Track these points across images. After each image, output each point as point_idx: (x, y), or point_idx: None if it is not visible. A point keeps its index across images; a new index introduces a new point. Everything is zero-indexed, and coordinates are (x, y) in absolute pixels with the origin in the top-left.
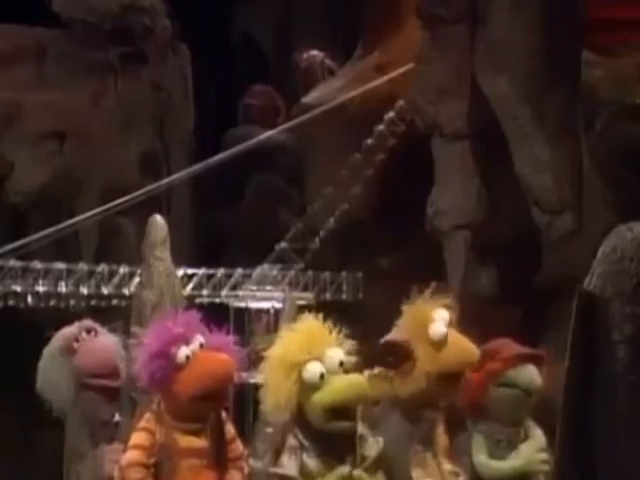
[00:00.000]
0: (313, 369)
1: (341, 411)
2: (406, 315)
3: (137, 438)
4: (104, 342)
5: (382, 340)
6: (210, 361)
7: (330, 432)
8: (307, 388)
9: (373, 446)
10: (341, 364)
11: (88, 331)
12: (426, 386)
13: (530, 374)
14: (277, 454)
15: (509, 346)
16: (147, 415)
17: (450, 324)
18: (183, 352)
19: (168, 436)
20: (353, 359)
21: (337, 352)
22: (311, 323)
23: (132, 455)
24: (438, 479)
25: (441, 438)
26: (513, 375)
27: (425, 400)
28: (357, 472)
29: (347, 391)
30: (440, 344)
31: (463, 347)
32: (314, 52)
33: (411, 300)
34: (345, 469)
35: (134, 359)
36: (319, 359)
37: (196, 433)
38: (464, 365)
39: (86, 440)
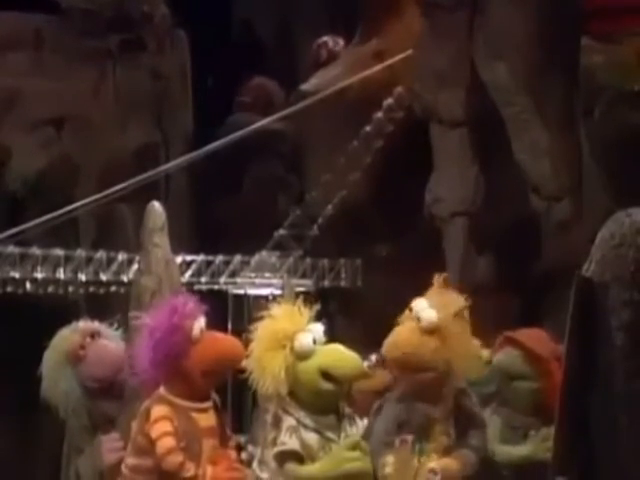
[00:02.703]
0: (305, 337)
1: (334, 378)
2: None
3: (161, 427)
4: (108, 345)
5: None
6: (221, 338)
7: (323, 396)
8: (300, 357)
9: (359, 425)
10: (325, 334)
11: (92, 335)
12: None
13: (501, 358)
14: (272, 442)
15: (519, 332)
16: (156, 407)
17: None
18: (198, 326)
19: (188, 419)
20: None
21: (318, 326)
22: (284, 306)
23: (166, 442)
24: (408, 470)
25: (440, 437)
26: (495, 358)
27: (412, 391)
28: (364, 443)
29: (345, 359)
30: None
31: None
32: (326, 38)
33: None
34: (355, 437)
35: (138, 342)
36: (306, 331)
37: (207, 412)
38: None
39: (87, 436)
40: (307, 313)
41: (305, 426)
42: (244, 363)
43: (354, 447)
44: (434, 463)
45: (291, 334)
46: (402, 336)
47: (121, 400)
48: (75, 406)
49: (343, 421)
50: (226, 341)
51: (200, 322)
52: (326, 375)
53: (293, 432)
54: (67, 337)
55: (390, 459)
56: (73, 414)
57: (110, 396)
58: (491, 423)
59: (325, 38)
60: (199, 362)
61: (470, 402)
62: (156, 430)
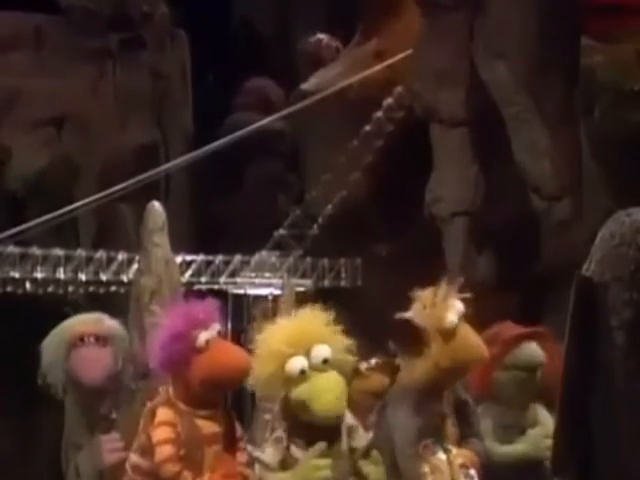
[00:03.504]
0: (294, 364)
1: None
2: (419, 301)
3: (162, 433)
4: (102, 359)
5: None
6: (229, 351)
7: (308, 428)
8: (289, 381)
9: (363, 437)
10: (325, 362)
11: (97, 338)
12: (434, 377)
13: (530, 352)
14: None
15: (509, 328)
16: (161, 410)
17: (463, 317)
18: (203, 337)
19: (191, 425)
20: (346, 357)
21: (323, 349)
22: (306, 315)
23: (164, 450)
24: (447, 474)
25: (451, 430)
26: (515, 356)
27: (430, 391)
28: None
29: (327, 402)
30: (450, 335)
31: (473, 342)
32: (320, 35)
33: (422, 288)
34: (322, 444)
35: (151, 339)
36: (305, 354)
37: (213, 419)
38: (473, 361)
39: (84, 432)
40: (321, 330)
41: (294, 442)
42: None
43: (323, 455)
44: (461, 458)
45: (286, 357)
46: (477, 337)
47: (114, 399)
48: (56, 381)
49: (341, 432)
50: (231, 355)
51: (210, 332)
52: (308, 410)
53: (278, 443)
54: (79, 322)
55: (425, 468)
56: (53, 385)
57: (99, 396)
58: (482, 424)
59: (320, 36)
60: (199, 371)
61: (458, 390)
62: (157, 435)
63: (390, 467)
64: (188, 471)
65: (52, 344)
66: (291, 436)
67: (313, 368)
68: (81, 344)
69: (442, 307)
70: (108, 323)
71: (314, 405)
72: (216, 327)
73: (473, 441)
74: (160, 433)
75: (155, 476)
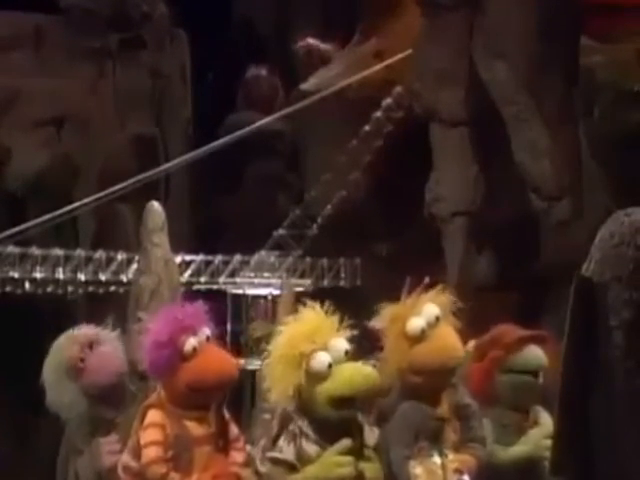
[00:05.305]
0: (321, 359)
1: (348, 400)
2: (386, 309)
3: (150, 435)
4: (107, 353)
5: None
6: (215, 358)
7: (335, 420)
8: (314, 378)
9: (370, 435)
10: (346, 353)
11: (90, 345)
12: (400, 381)
13: (533, 355)
14: (274, 440)
15: (511, 331)
16: (151, 411)
17: (442, 320)
18: (190, 343)
19: (180, 427)
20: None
21: (342, 342)
22: (313, 314)
23: (151, 452)
24: (440, 477)
25: (450, 435)
26: (517, 359)
27: (423, 395)
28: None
29: (356, 380)
30: (417, 340)
31: (441, 346)
32: (310, 39)
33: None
34: (347, 442)
35: (139, 345)
36: (325, 349)
37: (203, 420)
38: (441, 364)
39: (86, 438)
40: (333, 325)
41: (306, 436)
42: (255, 364)
43: (345, 452)
44: (456, 463)
45: (309, 352)
46: (449, 340)
47: (121, 403)
48: (79, 413)
49: (356, 427)
50: (218, 362)
51: (198, 337)
52: (339, 401)
53: (292, 440)
54: (66, 349)
55: (419, 470)
56: (76, 419)
57: (110, 400)
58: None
59: (308, 41)
60: (186, 378)
61: (461, 393)
62: (145, 437)
63: (388, 473)
64: (176, 472)
65: (59, 387)
66: (304, 432)
67: (336, 361)
68: (83, 363)
69: (407, 313)
70: (84, 330)
71: (344, 388)
72: (205, 332)
73: (473, 446)
74: (148, 435)
75: (143, 477)
